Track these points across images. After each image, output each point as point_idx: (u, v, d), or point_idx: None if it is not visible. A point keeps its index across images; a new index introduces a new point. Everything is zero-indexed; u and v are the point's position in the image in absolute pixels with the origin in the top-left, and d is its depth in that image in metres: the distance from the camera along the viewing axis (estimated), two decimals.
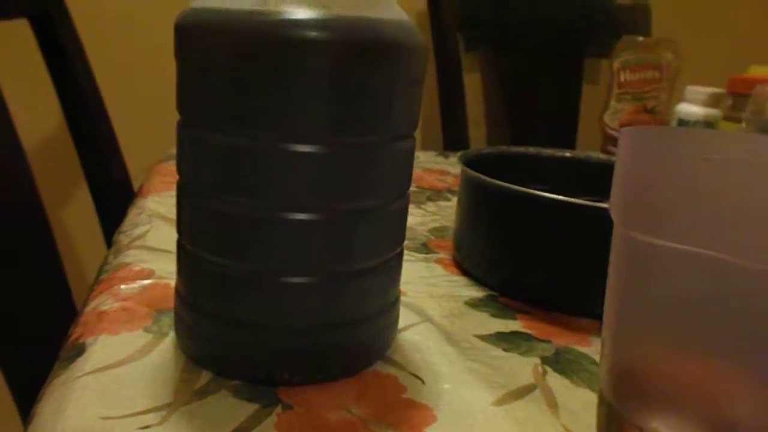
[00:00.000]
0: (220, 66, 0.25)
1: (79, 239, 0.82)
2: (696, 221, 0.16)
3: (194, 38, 0.25)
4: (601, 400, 0.21)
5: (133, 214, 0.50)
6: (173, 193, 0.55)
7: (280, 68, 0.24)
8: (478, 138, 1.05)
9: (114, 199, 0.67)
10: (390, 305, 0.30)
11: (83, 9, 0.71)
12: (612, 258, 0.20)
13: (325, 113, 0.25)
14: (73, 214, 0.83)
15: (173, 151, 0.75)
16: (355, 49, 0.24)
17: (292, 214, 0.26)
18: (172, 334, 0.31)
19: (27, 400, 0.53)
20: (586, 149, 1.08)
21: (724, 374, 0.18)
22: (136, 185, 0.75)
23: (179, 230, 0.29)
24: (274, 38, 0.24)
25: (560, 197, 0.36)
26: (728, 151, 0.18)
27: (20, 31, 0.65)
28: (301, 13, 0.24)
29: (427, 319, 0.35)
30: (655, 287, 0.18)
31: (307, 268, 0.27)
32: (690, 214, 0.16)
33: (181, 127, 0.28)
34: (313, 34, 0.24)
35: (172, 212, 0.49)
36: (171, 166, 0.64)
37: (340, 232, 0.27)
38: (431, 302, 0.37)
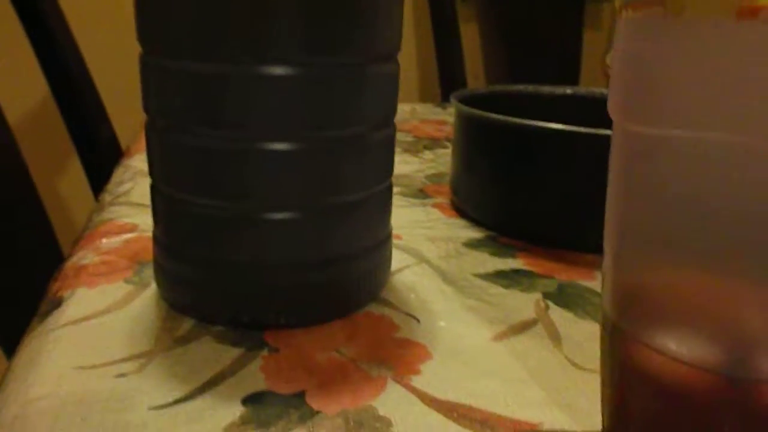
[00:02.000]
0: None
1: (74, 207, 0.81)
2: (701, 103, 0.14)
3: None
4: (605, 323, 0.19)
5: (118, 173, 0.48)
6: None
7: None
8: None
9: (104, 164, 0.66)
10: (381, 242, 0.28)
11: None
12: (611, 162, 0.18)
13: (300, 31, 0.23)
14: (66, 182, 0.81)
15: None
16: None
17: (270, 143, 0.24)
18: (153, 285, 0.29)
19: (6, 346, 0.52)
20: None
21: (740, 286, 0.16)
22: (124, 146, 0.74)
23: (151, 172, 0.27)
24: None
25: (558, 126, 0.33)
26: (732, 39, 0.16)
27: None
28: None
29: (423, 260, 0.33)
30: (659, 186, 0.16)
31: (290, 203, 0.25)
32: (694, 96, 0.14)
33: (145, 58, 0.26)
34: None
35: None
36: None
37: (322, 162, 0.25)
38: (428, 244, 0.35)
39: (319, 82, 0.24)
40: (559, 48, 1.01)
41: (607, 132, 0.33)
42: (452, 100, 0.41)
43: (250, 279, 0.26)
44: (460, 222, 0.39)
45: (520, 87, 0.49)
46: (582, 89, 0.49)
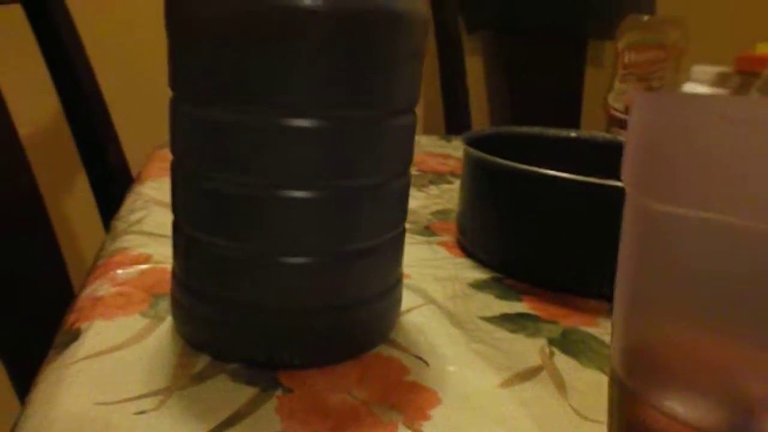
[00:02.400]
0: (214, 38, 0.24)
1: (79, 227, 0.82)
2: (715, 185, 0.15)
3: (186, 8, 0.24)
4: (613, 379, 0.20)
5: (130, 200, 0.49)
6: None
7: (277, 39, 0.23)
8: (480, 122, 1.04)
9: (112, 186, 0.67)
10: (392, 286, 0.29)
11: None
12: (624, 229, 0.19)
13: (323, 86, 0.24)
14: (72, 202, 0.82)
15: None
16: (355, 18, 0.23)
17: (290, 191, 0.25)
18: (169, 319, 0.30)
19: (25, 388, 0.53)
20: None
21: (745, 351, 0.17)
22: (134, 172, 0.74)
23: (174, 211, 0.28)
24: (271, 8, 0.23)
25: (566, 175, 0.35)
26: (745, 113, 0.17)
27: (15, 17, 0.64)
28: None
29: (431, 301, 0.34)
30: (671, 259, 0.17)
31: (307, 248, 0.26)
32: (708, 178, 0.15)
33: (174, 102, 0.27)
34: (312, 3, 0.23)
35: (169, 197, 0.49)
36: (168, 153, 0.63)
37: (339, 210, 0.26)
38: (435, 284, 0.36)
39: (339, 135, 0.25)
40: (561, 84, 1.03)
41: (613, 183, 0.35)
42: (461, 142, 0.43)
43: (265, 320, 0.26)
44: (466, 262, 0.40)
45: (526, 129, 0.50)
46: (586, 133, 0.50)
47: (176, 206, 0.28)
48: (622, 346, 0.20)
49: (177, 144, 0.27)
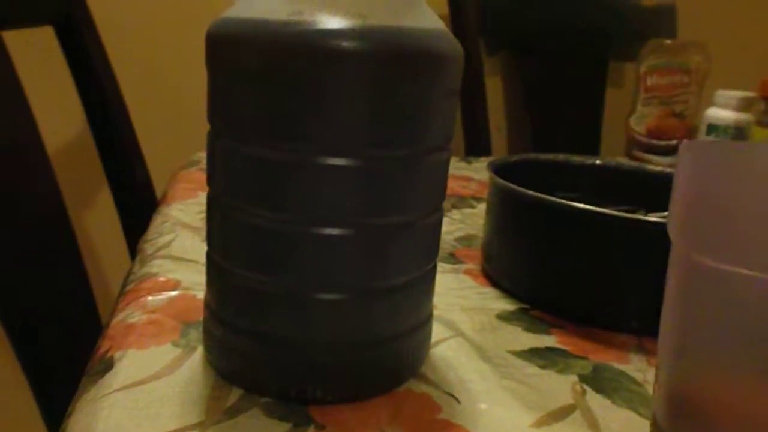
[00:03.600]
0: (255, 77, 0.24)
1: (102, 244, 0.82)
2: None
3: (227, 49, 0.25)
4: (655, 426, 0.20)
5: (157, 222, 0.50)
6: (197, 200, 0.55)
7: (316, 79, 0.23)
8: (499, 142, 1.04)
9: (137, 204, 0.67)
10: (424, 321, 0.29)
11: (106, 15, 0.71)
12: (669, 277, 0.19)
13: (360, 126, 0.24)
14: (96, 219, 0.83)
15: (196, 157, 0.75)
16: (392, 59, 0.24)
17: (325, 229, 0.25)
18: (200, 349, 0.30)
19: (49, 406, 0.53)
20: (610, 153, 1.06)
21: None
22: (158, 190, 0.75)
23: (209, 243, 0.29)
24: (310, 49, 0.23)
25: (596, 209, 0.35)
26: None
27: (44, 37, 0.66)
28: (337, 23, 0.23)
29: (459, 333, 0.34)
30: (721, 314, 0.17)
31: (341, 284, 0.26)
32: (764, 237, 0.15)
33: (213, 138, 0.27)
34: (349, 44, 0.23)
35: (195, 221, 0.49)
36: (194, 173, 0.64)
37: (374, 247, 0.26)
38: (462, 315, 0.36)
39: (374, 173, 0.25)
40: (581, 105, 1.03)
41: (644, 218, 0.34)
42: (488, 170, 0.43)
43: (297, 355, 0.26)
44: (492, 292, 0.40)
45: (551, 156, 0.50)
46: (612, 161, 0.50)
47: (211, 238, 0.28)
48: (666, 394, 0.20)
49: (214, 177, 0.28)
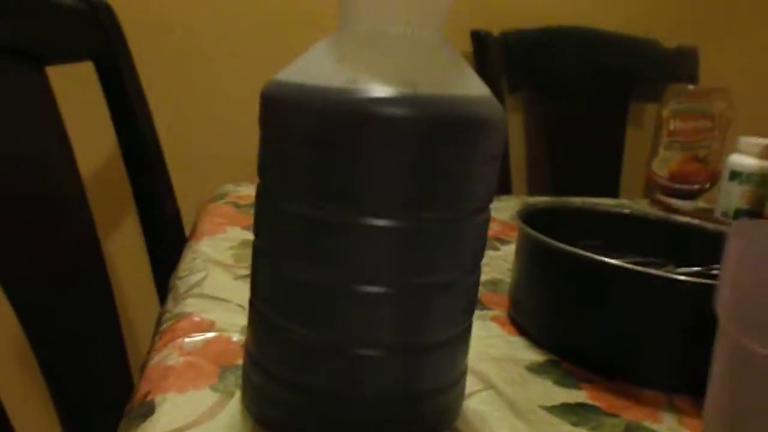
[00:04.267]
0: (308, 140, 0.25)
1: (127, 273, 0.84)
2: None
3: (283, 111, 0.26)
4: None
5: (188, 258, 0.51)
6: (226, 236, 0.56)
7: (366, 145, 0.24)
8: (519, 180, 1.05)
9: (165, 235, 0.69)
10: (460, 376, 0.29)
11: (144, 49, 0.74)
12: (718, 362, 0.19)
13: (406, 189, 0.25)
14: (123, 248, 0.85)
15: (223, 190, 0.76)
16: (440, 126, 0.25)
17: (367, 287, 0.26)
18: (238, 394, 0.31)
19: (68, 418, 0.53)
20: (629, 195, 1.07)
21: None
22: (185, 220, 0.77)
23: (253, 291, 0.29)
24: (362, 115, 0.24)
25: (624, 264, 0.35)
26: None
27: (83, 70, 0.68)
28: (389, 92, 0.24)
29: (490, 386, 0.34)
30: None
31: (381, 341, 0.26)
32: None
33: (261, 192, 0.28)
34: (399, 111, 0.24)
35: (226, 257, 0.50)
36: (221, 207, 0.65)
37: (414, 305, 0.26)
38: (492, 366, 0.36)
39: (416, 235, 0.26)
40: (601, 145, 1.04)
41: (676, 277, 0.35)
42: (516, 218, 0.43)
43: (337, 408, 0.27)
44: (521, 341, 0.40)
45: (578, 203, 0.51)
46: (639, 211, 0.50)
47: (255, 286, 0.29)
48: None
49: (260, 229, 0.28)
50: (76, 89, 0.72)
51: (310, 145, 0.25)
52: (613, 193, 1.02)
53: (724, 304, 0.18)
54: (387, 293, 0.26)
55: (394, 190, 0.25)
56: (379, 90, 0.24)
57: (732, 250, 0.18)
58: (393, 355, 0.27)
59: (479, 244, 0.28)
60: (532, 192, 1.04)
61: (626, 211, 0.50)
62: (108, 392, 0.49)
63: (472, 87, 0.26)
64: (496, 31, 0.99)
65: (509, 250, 0.59)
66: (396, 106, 0.24)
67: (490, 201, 0.28)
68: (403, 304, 0.26)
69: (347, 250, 0.25)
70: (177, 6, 0.86)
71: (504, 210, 0.72)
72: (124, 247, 0.83)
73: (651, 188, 0.84)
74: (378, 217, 0.25)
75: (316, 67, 0.26)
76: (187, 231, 0.71)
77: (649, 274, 0.34)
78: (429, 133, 0.24)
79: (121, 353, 0.60)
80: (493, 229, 0.68)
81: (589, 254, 0.36)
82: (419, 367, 0.27)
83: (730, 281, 0.18)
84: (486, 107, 0.26)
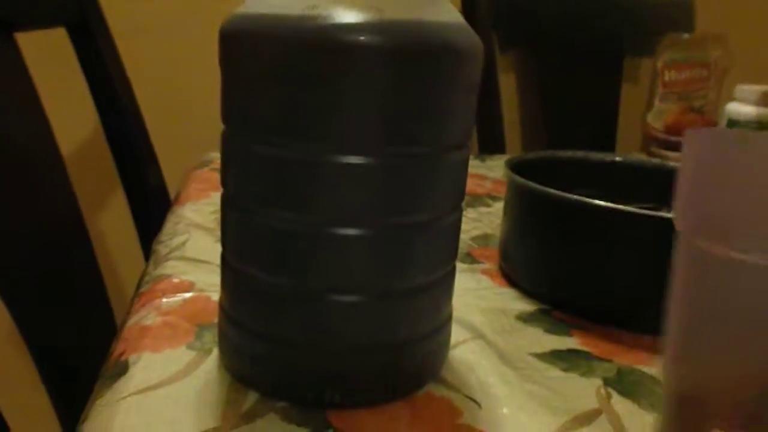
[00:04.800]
0: (269, 74, 0.24)
1: (115, 244, 0.83)
2: None
3: (241, 45, 0.24)
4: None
5: (170, 223, 0.49)
6: (210, 201, 0.55)
7: (331, 75, 0.23)
8: (513, 140, 1.03)
9: (150, 205, 0.67)
10: (443, 323, 0.28)
11: (118, 15, 0.71)
12: (675, 269, 0.18)
13: (377, 123, 0.23)
14: (109, 220, 0.83)
15: (208, 157, 0.74)
16: (410, 54, 0.23)
17: (342, 229, 0.24)
18: (215, 351, 0.30)
19: (65, 407, 0.53)
20: (626, 150, 1.05)
21: None
22: (171, 190, 0.75)
23: (224, 244, 0.28)
24: (325, 44, 0.22)
25: (618, 206, 0.34)
26: None
27: (57, 38, 0.66)
28: (353, 17, 0.22)
29: (479, 335, 0.33)
30: (727, 305, 0.16)
31: (358, 286, 0.25)
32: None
33: (227, 137, 0.27)
34: (365, 38, 0.22)
35: (209, 221, 0.49)
36: (206, 173, 0.63)
37: (392, 248, 0.25)
38: (481, 317, 0.35)
39: (391, 172, 0.24)
40: (597, 101, 1.02)
41: (665, 215, 0.33)
42: (505, 167, 0.42)
43: (314, 359, 0.26)
44: (511, 292, 0.39)
45: (569, 153, 0.49)
46: (632, 158, 0.49)
47: (225, 239, 0.28)
48: (670, 393, 0.19)
49: (228, 177, 0.27)
50: (51, 58, 0.69)
51: (271, 80, 0.24)
52: (610, 149, 1.00)
53: (679, 209, 0.17)
54: (361, 235, 0.25)
55: (363, 124, 0.23)
56: (342, 15, 0.22)
57: (688, 155, 0.17)
58: (371, 301, 0.25)
59: (459, 183, 0.27)
60: (527, 151, 1.02)
61: (618, 159, 0.49)
62: (96, 361, 0.49)
63: (445, 13, 0.25)
64: None
65: (501, 207, 0.58)
66: (361, 33, 0.22)
67: (469, 138, 0.27)
68: (379, 246, 0.25)
69: (317, 190, 0.24)
70: None
71: (497, 168, 0.71)
72: (111, 219, 0.81)
73: (647, 142, 0.82)
74: (347, 153, 0.24)
75: None
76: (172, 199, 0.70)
77: (640, 215, 0.33)
78: (398, 62, 0.23)
79: (110, 321, 0.60)
80: (486, 186, 0.66)
81: (576, 197, 0.35)
82: (399, 314, 0.26)
83: (685, 186, 0.17)
84: (460, 34, 0.24)
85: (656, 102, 0.79)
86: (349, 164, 0.24)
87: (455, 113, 0.25)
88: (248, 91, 0.25)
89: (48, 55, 0.65)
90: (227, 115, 0.26)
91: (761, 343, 0.16)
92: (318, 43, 0.22)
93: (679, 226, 0.18)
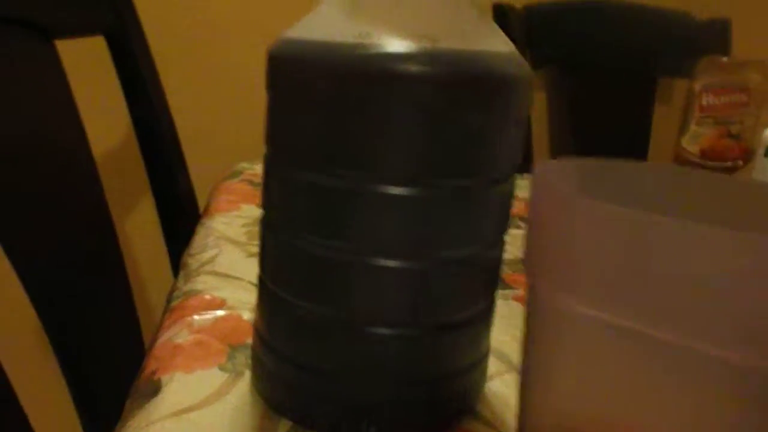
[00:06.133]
0: (317, 100, 0.23)
1: (143, 251, 0.83)
2: (615, 283, 0.13)
3: (290, 70, 0.24)
4: None
5: (200, 235, 0.49)
6: (240, 213, 0.55)
7: (381, 104, 0.22)
8: (542, 158, 1.02)
9: (179, 214, 0.68)
10: (482, 357, 0.27)
11: (156, 25, 0.72)
12: (529, 322, 0.18)
13: (424, 155, 0.23)
14: (138, 226, 0.84)
15: (238, 167, 0.75)
16: (461, 84, 0.22)
17: (380, 259, 0.24)
18: (247, 374, 0.29)
19: (91, 415, 0.53)
20: None
21: None
22: (200, 199, 0.76)
23: (262, 267, 0.28)
24: (376, 73, 0.22)
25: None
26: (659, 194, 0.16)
27: (95, 45, 0.66)
28: (405, 47, 0.22)
29: (514, 368, 0.32)
30: (569, 359, 0.15)
31: (397, 319, 0.25)
32: (607, 274, 0.14)
33: (270, 161, 0.26)
34: (416, 68, 0.22)
35: (239, 235, 0.49)
36: (236, 184, 0.63)
37: (433, 281, 0.25)
38: (515, 347, 0.34)
39: (437, 204, 0.24)
40: (628, 122, 1.00)
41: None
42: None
43: (350, 390, 0.25)
44: None
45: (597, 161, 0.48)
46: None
47: (263, 262, 0.28)
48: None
49: (269, 200, 0.27)
50: (89, 65, 0.70)
51: (319, 107, 0.23)
52: None
53: (530, 259, 0.16)
54: (403, 267, 0.24)
55: (410, 155, 0.23)
56: (395, 44, 0.22)
57: (533, 186, 0.16)
58: (409, 334, 0.25)
59: (502, 217, 0.26)
60: None
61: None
62: (121, 371, 0.49)
63: (497, 43, 0.24)
64: (518, 4, 0.95)
65: None
66: (413, 62, 0.22)
67: (515, 170, 0.26)
68: (420, 278, 0.24)
69: (359, 219, 0.24)
70: None
71: (527, 188, 0.70)
72: (139, 224, 0.82)
73: (680, 165, 0.81)
74: (392, 184, 0.23)
75: (326, 22, 0.24)
76: (202, 209, 0.70)
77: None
78: (448, 93, 0.22)
79: (136, 330, 0.60)
80: (517, 207, 0.65)
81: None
82: (438, 347, 0.25)
83: (534, 233, 0.16)
84: (512, 65, 0.24)
85: (692, 125, 0.77)
86: (393, 195, 0.23)
87: (504, 146, 0.25)
88: (294, 118, 0.24)
89: (88, 62, 0.66)
90: (271, 137, 0.26)
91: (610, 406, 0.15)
92: (369, 72, 0.22)
93: (529, 276, 0.17)
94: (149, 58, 0.66)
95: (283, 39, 0.25)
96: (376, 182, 0.23)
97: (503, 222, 0.27)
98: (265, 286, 0.28)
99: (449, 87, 0.22)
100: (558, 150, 1.01)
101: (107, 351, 0.54)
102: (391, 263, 0.24)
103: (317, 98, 0.23)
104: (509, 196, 0.26)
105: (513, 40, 0.94)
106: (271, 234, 0.27)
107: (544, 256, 0.16)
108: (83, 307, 0.53)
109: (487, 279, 0.27)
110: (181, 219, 0.66)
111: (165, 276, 0.71)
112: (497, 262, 0.27)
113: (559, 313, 0.15)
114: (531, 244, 0.17)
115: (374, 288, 0.24)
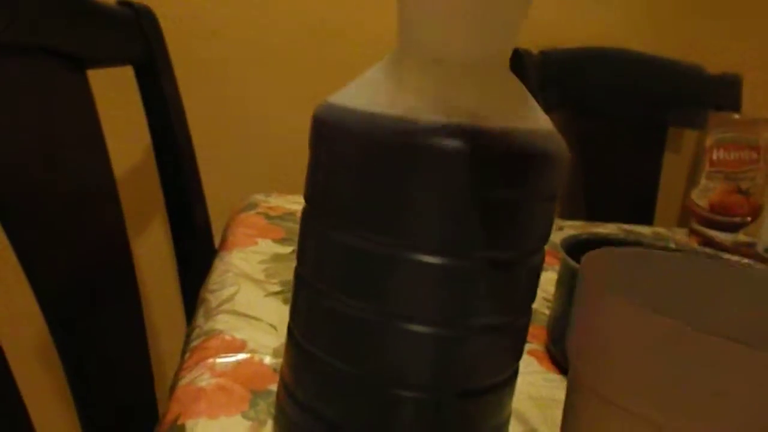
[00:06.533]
0: (357, 168, 0.24)
1: (153, 277, 0.84)
2: (643, 381, 0.14)
3: (334, 136, 0.25)
4: None
5: (218, 270, 0.50)
6: (257, 249, 0.56)
7: (419, 177, 0.23)
8: None
9: (193, 242, 0.68)
10: (504, 422, 0.28)
11: (182, 54, 0.74)
12: (570, 408, 0.18)
13: (459, 227, 0.24)
14: (150, 252, 0.84)
15: (253, 200, 0.75)
16: (501, 162, 0.23)
17: (409, 324, 0.25)
18: (270, 423, 0.30)
19: (89, 421, 0.53)
20: (665, 221, 1.04)
21: None
22: (213, 226, 0.76)
23: (292, 318, 0.28)
24: (415, 147, 0.23)
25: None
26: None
27: (121, 71, 0.68)
28: (448, 123, 0.23)
29: (532, 429, 0.32)
30: None
31: (424, 384, 0.25)
32: (637, 372, 0.14)
33: (307, 216, 0.27)
34: (457, 144, 0.23)
35: (257, 272, 0.49)
36: (253, 217, 0.64)
37: (461, 348, 0.25)
38: (533, 408, 0.35)
39: (468, 275, 0.24)
40: (637, 169, 1.01)
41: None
42: (560, 250, 0.42)
43: None
44: (561, 380, 0.38)
45: (621, 236, 0.49)
46: (685, 248, 0.48)
47: (294, 314, 0.28)
48: None
49: (303, 255, 0.27)
50: (114, 92, 0.72)
51: (358, 173, 0.24)
52: (647, 219, 1.00)
53: (575, 349, 0.17)
54: (431, 333, 0.25)
55: (445, 227, 0.24)
56: (438, 121, 0.23)
57: (585, 286, 0.17)
58: (435, 399, 0.25)
59: (531, 287, 0.27)
60: (564, 215, 1.02)
61: (672, 245, 0.48)
62: (129, 397, 0.49)
63: (537, 121, 0.25)
64: (535, 49, 0.97)
65: (546, 278, 0.58)
66: (455, 139, 0.23)
67: (546, 241, 0.27)
68: (448, 346, 0.25)
69: (391, 284, 0.24)
70: (218, 14, 0.86)
71: None
72: (152, 251, 0.83)
73: (688, 217, 0.81)
74: (426, 253, 0.24)
75: (372, 92, 0.25)
76: (216, 238, 0.71)
77: None
78: (490, 170, 0.23)
79: (145, 357, 0.60)
80: None
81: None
82: (461, 413, 0.26)
83: (581, 324, 0.17)
84: (551, 143, 0.25)
85: (702, 179, 0.79)
86: (426, 263, 0.24)
87: (536, 220, 0.25)
88: (335, 180, 0.25)
89: (113, 90, 0.67)
90: (311, 195, 0.27)
91: None
92: (414, 148, 0.23)
93: (574, 365, 0.18)
94: (175, 89, 0.68)
95: (330, 104, 0.26)
96: (410, 250, 0.24)
97: (532, 292, 0.27)
98: (293, 337, 0.28)
99: (486, 164, 0.23)
100: (566, 193, 1.02)
101: (115, 371, 0.54)
102: (420, 329, 0.25)
103: (357, 165, 0.24)
104: (539, 267, 0.27)
105: (527, 83, 0.96)
106: (304, 288, 0.27)
107: (586, 344, 0.16)
108: (95, 329, 0.54)
109: (514, 347, 0.27)
110: (194, 248, 0.66)
111: (174, 302, 0.72)
112: (524, 331, 0.28)
113: (597, 394, 0.16)
114: (575, 327, 0.17)
115: (402, 351, 0.25)
